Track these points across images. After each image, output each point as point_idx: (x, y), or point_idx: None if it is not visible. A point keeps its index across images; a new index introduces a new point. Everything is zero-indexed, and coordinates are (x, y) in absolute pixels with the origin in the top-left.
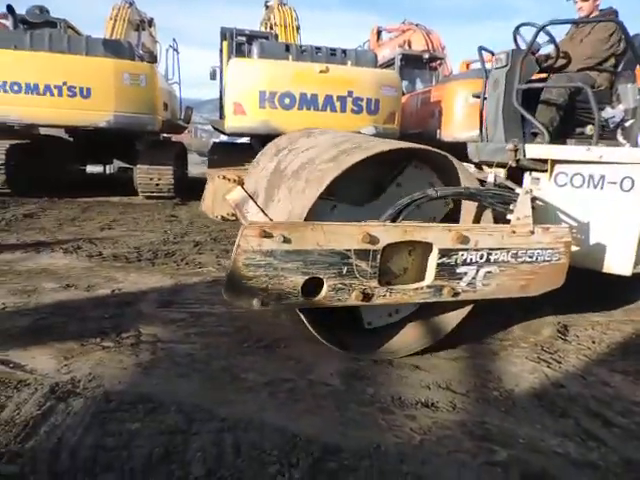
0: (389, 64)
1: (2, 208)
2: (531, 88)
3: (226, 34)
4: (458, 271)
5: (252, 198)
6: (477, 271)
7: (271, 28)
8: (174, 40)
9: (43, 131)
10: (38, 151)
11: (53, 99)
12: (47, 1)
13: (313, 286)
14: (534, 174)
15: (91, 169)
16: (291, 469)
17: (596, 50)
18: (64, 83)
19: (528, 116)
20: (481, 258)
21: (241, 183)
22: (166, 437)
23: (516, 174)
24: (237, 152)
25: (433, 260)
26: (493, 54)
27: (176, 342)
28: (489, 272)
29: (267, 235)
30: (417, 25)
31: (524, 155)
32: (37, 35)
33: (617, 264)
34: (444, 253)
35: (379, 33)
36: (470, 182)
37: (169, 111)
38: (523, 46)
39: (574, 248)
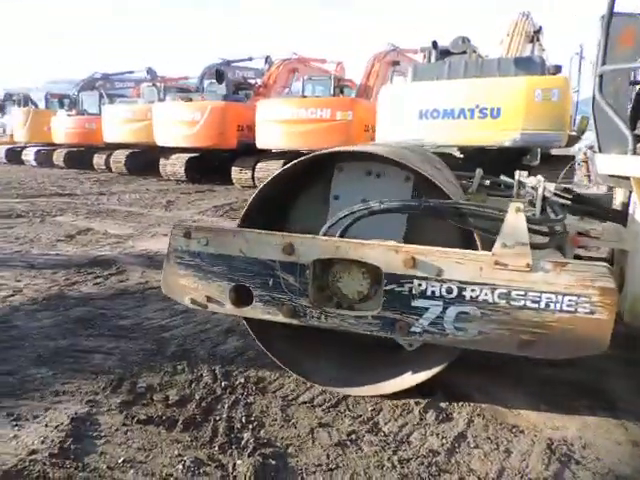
0: None
1: None
2: None
3: None
4: (415, 304)
5: None
6: (444, 309)
7: None
8: (580, 46)
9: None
10: None
11: (465, 122)
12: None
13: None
14: (634, 196)
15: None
16: None
17: None
18: (476, 106)
19: (610, 112)
20: (449, 293)
21: None
22: None
23: None
24: None
25: (382, 286)
26: None
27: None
28: (464, 313)
29: (191, 236)
30: None
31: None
32: (454, 64)
33: None
34: (392, 279)
35: None
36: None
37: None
38: None
39: None
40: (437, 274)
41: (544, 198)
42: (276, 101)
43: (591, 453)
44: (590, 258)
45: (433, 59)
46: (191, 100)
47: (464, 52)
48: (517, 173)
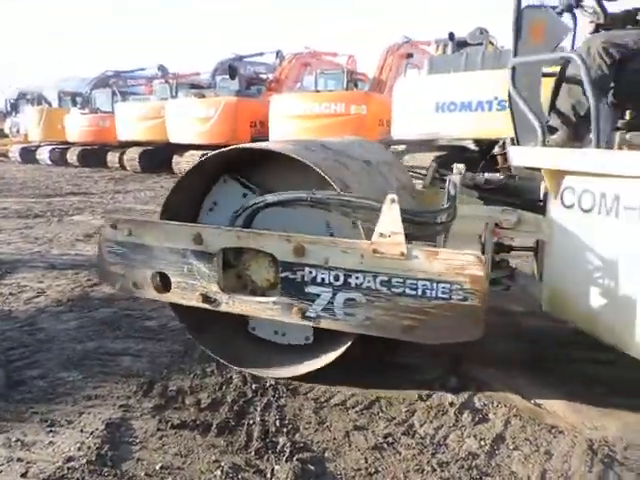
0: None
1: None
2: None
3: None
4: (307, 291)
5: None
6: (333, 295)
7: None
8: None
9: (443, 142)
10: (449, 161)
11: (483, 114)
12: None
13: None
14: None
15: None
16: None
17: None
18: (495, 97)
19: (522, 104)
20: (336, 280)
21: None
22: None
23: None
24: None
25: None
26: None
27: None
28: (351, 300)
29: (117, 227)
30: None
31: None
32: (471, 55)
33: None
34: (287, 267)
35: None
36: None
37: None
38: None
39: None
40: (325, 262)
41: (448, 191)
42: (290, 96)
43: (633, 454)
44: (522, 249)
45: (449, 51)
46: (204, 96)
47: (480, 44)
48: (454, 166)
